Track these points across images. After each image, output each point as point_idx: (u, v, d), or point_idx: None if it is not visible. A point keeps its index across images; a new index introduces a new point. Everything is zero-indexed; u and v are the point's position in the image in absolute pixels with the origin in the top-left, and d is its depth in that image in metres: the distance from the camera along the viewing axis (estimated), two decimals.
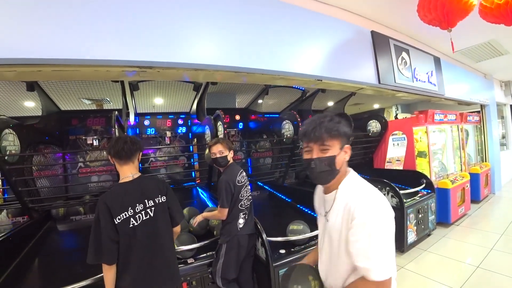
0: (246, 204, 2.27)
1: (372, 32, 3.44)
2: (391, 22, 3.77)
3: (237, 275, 2.16)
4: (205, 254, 2.22)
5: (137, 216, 1.55)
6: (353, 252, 0.94)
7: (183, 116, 4.24)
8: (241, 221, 2.20)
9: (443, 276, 3.00)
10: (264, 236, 2.24)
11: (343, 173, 1.07)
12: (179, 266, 1.99)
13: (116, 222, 1.47)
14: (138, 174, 1.66)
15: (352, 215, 0.95)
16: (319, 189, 1.22)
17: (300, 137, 1.11)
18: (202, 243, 2.25)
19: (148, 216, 1.59)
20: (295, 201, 3.42)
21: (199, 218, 2.40)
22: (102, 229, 1.44)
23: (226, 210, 2.15)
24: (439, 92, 4.53)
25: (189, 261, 2.14)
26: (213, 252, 2.22)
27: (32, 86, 2.71)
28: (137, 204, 1.56)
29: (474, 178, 5.50)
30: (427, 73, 4.27)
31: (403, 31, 4.04)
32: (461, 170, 5.50)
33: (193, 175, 3.80)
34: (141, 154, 1.73)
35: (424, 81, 4.18)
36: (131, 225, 1.52)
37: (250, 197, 2.34)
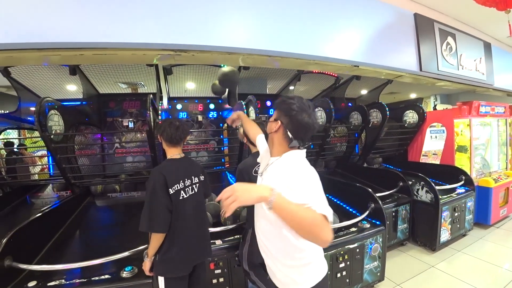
0: None
1: (415, 15, 3.18)
2: (437, 4, 3.44)
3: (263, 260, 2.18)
4: (232, 237, 2.27)
5: (186, 189, 1.67)
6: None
7: (208, 101, 4.20)
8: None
9: (477, 280, 2.80)
10: None
11: (281, 146, 1.23)
12: None
13: (171, 192, 1.57)
14: (183, 155, 1.78)
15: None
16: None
17: None
18: (230, 227, 2.31)
19: (193, 191, 1.72)
20: (324, 190, 3.34)
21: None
22: (159, 198, 1.53)
23: None
24: (488, 82, 4.14)
25: (217, 242, 2.19)
26: (240, 236, 2.25)
27: (74, 70, 2.86)
28: (186, 179, 1.68)
29: None
30: (474, 60, 3.90)
31: (450, 14, 3.68)
32: (506, 168, 5.05)
33: (223, 160, 3.85)
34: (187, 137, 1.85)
35: (471, 69, 3.83)
36: (181, 197, 1.63)
37: None
